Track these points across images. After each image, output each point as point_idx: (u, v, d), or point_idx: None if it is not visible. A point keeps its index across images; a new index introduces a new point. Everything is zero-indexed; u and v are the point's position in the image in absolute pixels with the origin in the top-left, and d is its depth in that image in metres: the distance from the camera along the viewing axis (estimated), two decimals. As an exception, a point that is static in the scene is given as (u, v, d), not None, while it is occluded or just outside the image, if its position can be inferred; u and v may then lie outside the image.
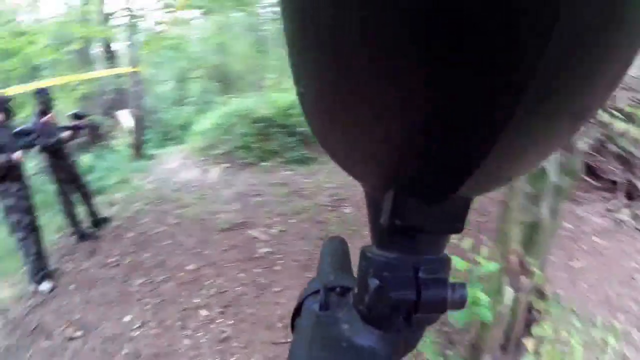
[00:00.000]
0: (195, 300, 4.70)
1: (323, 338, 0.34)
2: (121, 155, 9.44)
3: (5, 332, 4.46)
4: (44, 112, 5.29)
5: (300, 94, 0.25)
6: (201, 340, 4.15)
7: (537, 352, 2.31)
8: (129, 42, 8.51)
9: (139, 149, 9.10)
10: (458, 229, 0.27)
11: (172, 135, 10.78)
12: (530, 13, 0.14)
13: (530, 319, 2.37)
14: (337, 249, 0.50)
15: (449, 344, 2.97)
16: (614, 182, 5.13)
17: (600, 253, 4.51)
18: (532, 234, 2.22)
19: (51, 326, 4.47)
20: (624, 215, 4.75)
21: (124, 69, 9.52)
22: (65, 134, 5.42)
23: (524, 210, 2.21)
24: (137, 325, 4.38)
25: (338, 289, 0.39)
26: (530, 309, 2.35)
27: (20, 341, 4.30)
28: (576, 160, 2.24)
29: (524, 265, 2.24)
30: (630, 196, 4.98)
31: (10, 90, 8.00)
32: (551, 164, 2.14)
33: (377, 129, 0.21)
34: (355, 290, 0.33)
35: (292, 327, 0.41)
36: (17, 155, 4.44)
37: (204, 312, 4.51)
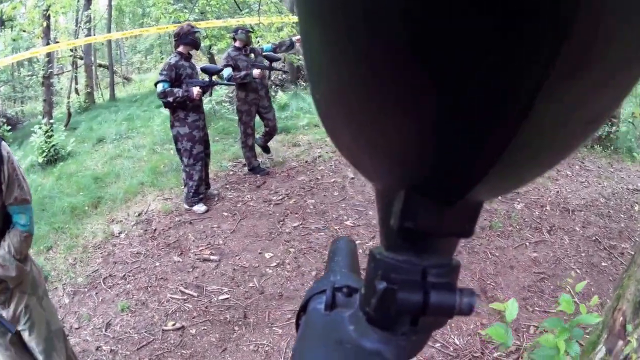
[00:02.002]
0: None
1: (327, 338, 0.37)
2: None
3: (142, 240, 5.03)
4: (239, 48, 6.07)
5: (313, 94, 0.27)
6: (327, 292, 4.23)
7: None
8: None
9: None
10: (468, 233, 0.28)
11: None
12: (544, 16, 0.15)
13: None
14: (345, 248, 0.53)
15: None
16: None
17: None
18: None
19: (189, 245, 4.91)
20: None
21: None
22: (256, 72, 6.02)
23: None
24: (275, 264, 4.57)
25: (345, 289, 0.41)
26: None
27: (152, 251, 4.80)
28: None
29: (624, 330, 2.21)
30: None
31: (218, 22, 9.02)
32: None
33: (389, 128, 0.23)
34: (362, 291, 0.35)
35: (297, 325, 0.44)
36: (196, 91, 5.09)
37: (341, 270, 4.58)
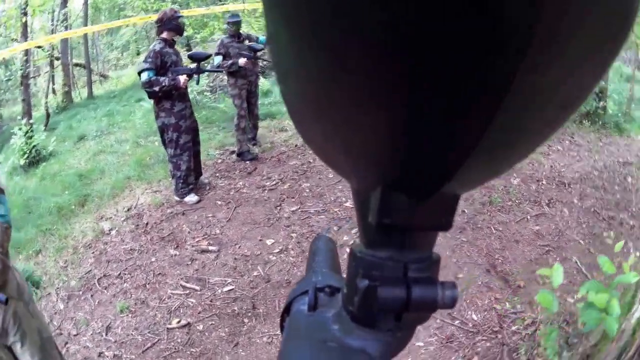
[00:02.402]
0: (344, 238, 4.46)
1: (312, 339, 0.35)
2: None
3: (134, 235, 4.60)
4: (233, 36, 5.86)
5: (282, 92, 0.25)
6: (340, 278, 3.96)
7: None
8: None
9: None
10: (447, 226, 0.27)
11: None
12: (512, 8, 0.15)
13: None
14: (325, 248, 0.52)
15: (567, 345, 2.89)
16: None
17: None
18: None
19: (185, 236, 4.52)
20: None
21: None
22: (242, 60, 5.79)
23: None
24: (278, 250, 4.24)
25: (327, 289, 0.40)
26: None
27: (146, 246, 4.39)
28: None
29: None
30: None
31: (201, 10, 8.64)
32: None
33: (362, 125, 0.22)
34: (345, 290, 0.33)
35: (282, 327, 0.43)
36: (183, 80, 4.68)
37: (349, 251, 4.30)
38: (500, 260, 4.14)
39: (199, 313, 3.49)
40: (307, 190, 5.40)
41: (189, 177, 5.11)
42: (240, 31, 6.11)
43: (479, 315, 3.46)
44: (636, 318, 2.31)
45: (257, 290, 3.75)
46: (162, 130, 4.95)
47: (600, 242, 4.34)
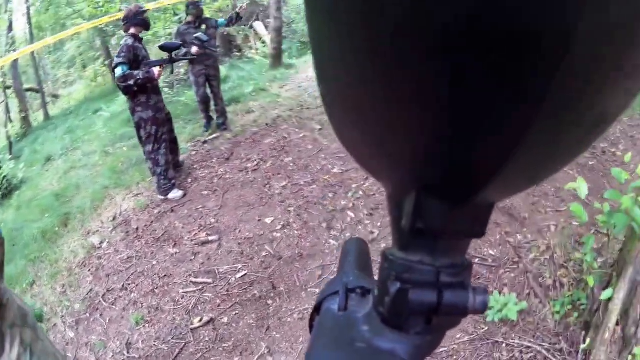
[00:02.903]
0: (342, 202, 4.21)
1: (341, 338, 0.34)
2: (258, 65, 9.11)
3: (127, 243, 4.19)
4: (190, 22, 5.71)
5: (322, 94, 0.25)
6: (349, 240, 3.71)
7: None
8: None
9: (278, 58, 8.67)
10: (480, 234, 0.27)
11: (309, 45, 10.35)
12: (549, 20, 0.14)
13: None
14: (358, 249, 0.49)
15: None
16: None
17: None
18: None
19: (180, 233, 4.14)
20: None
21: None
22: (194, 49, 5.55)
23: None
24: (280, 227, 3.91)
25: (358, 290, 0.38)
26: None
27: (143, 250, 4.00)
28: None
29: None
30: None
31: (151, 5, 8.12)
32: None
33: (399, 129, 0.21)
34: (376, 291, 0.32)
35: (311, 327, 0.41)
36: (157, 71, 4.43)
37: (351, 214, 3.99)
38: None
39: (218, 306, 3.16)
40: (291, 164, 5.09)
41: (169, 172, 4.80)
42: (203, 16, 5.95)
43: (495, 250, 3.35)
44: None
45: (272, 269, 3.44)
46: (140, 125, 4.62)
47: (588, 169, 4.24)
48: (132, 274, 3.71)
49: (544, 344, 2.59)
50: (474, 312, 0.28)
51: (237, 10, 6.50)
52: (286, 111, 6.67)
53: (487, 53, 0.15)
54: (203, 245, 3.90)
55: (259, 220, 4.13)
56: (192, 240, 4.00)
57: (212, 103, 6.30)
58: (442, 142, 0.20)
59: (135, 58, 4.37)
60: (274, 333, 2.86)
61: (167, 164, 4.76)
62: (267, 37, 10.15)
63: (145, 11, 4.69)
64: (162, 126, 4.71)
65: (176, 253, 3.86)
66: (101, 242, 4.35)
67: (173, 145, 5.09)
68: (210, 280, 3.42)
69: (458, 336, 2.67)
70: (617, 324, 2.41)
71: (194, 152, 5.86)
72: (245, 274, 3.43)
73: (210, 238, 3.97)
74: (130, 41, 4.40)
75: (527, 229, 3.52)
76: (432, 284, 0.27)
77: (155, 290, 3.46)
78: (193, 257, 3.76)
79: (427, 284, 0.27)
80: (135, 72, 4.30)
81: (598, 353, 2.42)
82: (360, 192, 4.33)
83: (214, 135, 6.18)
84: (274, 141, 5.77)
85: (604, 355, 2.41)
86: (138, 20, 4.55)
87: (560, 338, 2.61)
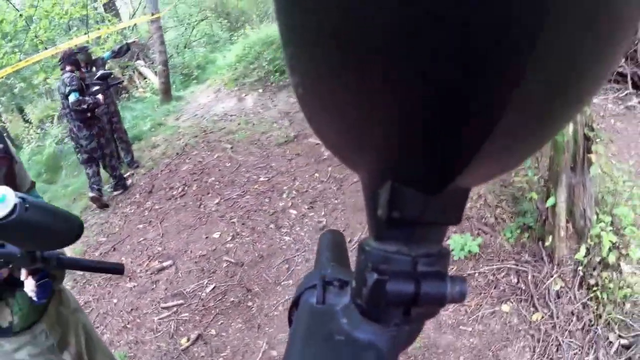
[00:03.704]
0: (280, 204, 4.19)
1: (320, 332, 0.32)
2: (149, 102, 8.69)
3: (79, 289, 3.79)
4: (85, 67, 5.53)
5: (294, 85, 0.23)
6: (301, 234, 3.69)
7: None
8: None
9: (167, 92, 8.30)
10: (456, 220, 0.25)
11: (192, 76, 10.23)
12: (519, 4, 0.14)
13: (588, 146, 2.76)
14: (334, 241, 0.48)
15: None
16: (622, 75, 5.50)
17: (618, 132, 4.75)
18: None
19: (130, 267, 3.84)
20: (634, 102, 5.28)
21: (145, 17, 8.82)
22: (100, 96, 5.26)
23: None
24: (230, 238, 3.80)
25: (336, 283, 0.36)
26: (587, 137, 2.75)
27: (98, 292, 3.66)
28: None
29: None
30: (636, 86, 5.46)
31: (47, 53, 7.46)
32: None
33: (372, 118, 0.20)
34: (353, 283, 0.30)
35: (290, 321, 0.38)
36: (101, 97, 4.96)
37: (293, 212, 3.99)
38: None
39: (200, 322, 2.99)
40: (217, 183, 4.97)
41: (118, 170, 5.37)
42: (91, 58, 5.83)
43: None
44: (571, 132, 2.68)
45: (238, 276, 3.34)
46: (95, 136, 5.03)
47: None
48: (95, 318, 3.37)
49: (510, 261, 2.84)
50: (452, 301, 0.27)
51: (128, 42, 6.31)
52: (191, 139, 6.46)
53: (457, 38, 0.15)
54: (160, 272, 3.67)
55: (206, 238, 3.97)
56: (146, 271, 3.74)
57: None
58: (415, 131, 0.19)
59: (81, 86, 4.82)
60: (267, 329, 2.78)
61: (115, 167, 5.33)
62: (151, 74, 9.76)
63: (76, 53, 5.18)
64: (108, 132, 5.31)
65: (135, 286, 3.59)
66: (48, 296, 3.91)
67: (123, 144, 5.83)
68: (181, 301, 3.23)
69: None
70: (567, 222, 2.76)
71: (115, 193, 5.46)
72: (215, 287, 3.29)
73: (164, 264, 3.74)
74: (73, 74, 4.81)
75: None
76: (410, 274, 0.26)
77: (127, 325, 3.18)
78: (154, 286, 3.52)
79: (404, 274, 0.26)
80: (86, 99, 4.78)
81: (559, 249, 2.76)
82: (294, 192, 4.34)
83: (127, 174, 5.82)
84: (190, 167, 5.57)
85: (565, 249, 2.76)
86: (71, 60, 4.96)
87: (522, 254, 2.89)
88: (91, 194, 5.11)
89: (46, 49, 7.44)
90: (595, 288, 2.61)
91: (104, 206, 5.14)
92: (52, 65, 7.61)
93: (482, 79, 0.16)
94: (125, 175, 5.67)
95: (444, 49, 0.15)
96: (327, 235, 0.49)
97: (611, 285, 2.57)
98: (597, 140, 2.83)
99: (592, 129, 2.79)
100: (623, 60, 5.32)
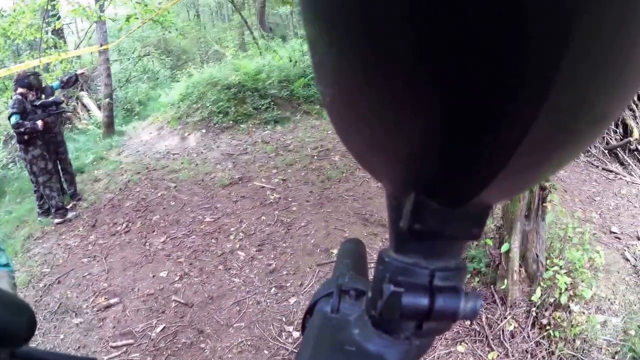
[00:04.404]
0: (228, 245, 4.22)
1: (331, 341, 0.32)
2: (91, 135, 8.41)
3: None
4: (36, 92, 5.38)
5: (322, 93, 0.23)
6: (251, 276, 3.74)
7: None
8: (97, 21, 7.60)
9: (110, 126, 8.11)
10: (476, 236, 0.25)
11: (134, 111, 10.00)
12: (545, 21, 0.13)
13: (543, 195, 2.95)
14: (354, 250, 0.46)
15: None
16: None
17: (562, 179, 5.14)
18: None
19: (75, 302, 3.73)
20: None
21: (94, 47, 8.57)
22: (39, 123, 5.17)
23: None
24: (178, 278, 3.79)
25: (352, 292, 0.35)
26: (542, 187, 2.92)
27: (43, 326, 3.51)
28: None
29: None
30: None
31: (1, 72, 7.05)
32: None
33: (399, 131, 0.20)
34: (370, 294, 0.29)
35: (303, 328, 0.38)
36: (40, 123, 4.98)
37: (242, 254, 4.05)
38: (369, 214, 4.42)
39: (152, 362, 2.99)
40: (162, 221, 4.93)
41: (61, 197, 5.30)
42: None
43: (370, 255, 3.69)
44: None
45: (188, 317, 3.35)
46: (32, 162, 5.09)
47: None
48: (39, 354, 3.24)
49: None
50: (464, 318, 0.26)
51: (77, 72, 6.17)
52: (134, 175, 6.34)
53: (485, 53, 0.15)
54: (106, 310, 3.59)
55: (153, 276, 3.94)
56: (92, 307, 3.65)
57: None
58: (441, 144, 0.19)
59: (24, 110, 4.91)
60: (223, 371, 2.83)
61: (59, 191, 5.27)
62: (94, 106, 9.47)
63: (29, 75, 5.24)
64: (50, 161, 5.21)
65: (81, 322, 3.49)
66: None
67: (67, 175, 5.72)
68: (132, 341, 3.19)
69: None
70: (520, 267, 2.93)
71: (57, 222, 5.23)
72: (165, 327, 3.28)
73: (111, 301, 3.67)
74: (20, 97, 4.93)
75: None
76: (425, 287, 0.26)
77: (74, 363, 3.09)
78: (101, 324, 3.44)
79: (420, 288, 0.26)
80: (26, 122, 4.85)
81: (512, 292, 2.92)
82: (241, 234, 4.43)
83: (70, 205, 5.61)
84: (133, 203, 5.48)
85: (518, 292, 2.92)
86: (24, 83, 5.07)
87: None
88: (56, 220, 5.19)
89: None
90: (548, 327, 2.75)
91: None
92: (4, 86, 7.26)
93: (510, 94, 0.16)
94: (68, 207, 5.47)
95: (472, 62, 0.15)
96: (348, 243, 0.48)
97: (564, 324, 2.72)
98: (553, 190, 3.03)
99: (548, 179, 2.87)
100: None
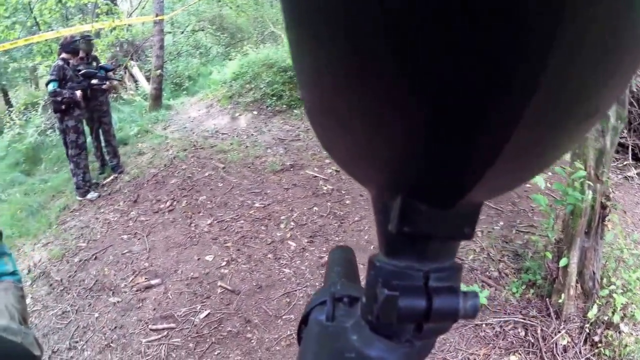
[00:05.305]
0: (278, 234, 4.11)
1: (330, 349, 0.32)
2: (137, 106, 8.47)
3: (56, 296, 3.59)
4: (86, 57, 5.48)
5: (305, 100, 0.24)
6: (302, 267, 3.63)
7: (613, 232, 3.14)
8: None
9: (158, 99, 8.10)
10: (468, 235, 0.25)
11: (183, 86, 10.05)
12: (534, 13, 0.13)
13: (603, 214, 2.99)
14: (344, 257, 0.47)
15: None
16: (623, 145, 5.68)
17: (616, 201, 4.66)
18: (600, 157, 3.04)
19: (114, 280, 3.67)
20: (632, 173, 5.56)
21: (148, 17, 8.68)
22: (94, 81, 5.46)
23: (595, 140, 3.04)
24: (225, 263, 3.69)
25: (346, 299, 0.36)
26: (603, 206, 2.99)
27: (78, 303, 3.46)
28: (625, 110, 3.09)
29: (597, 176, 3.00)
30: (636, 157, 5.69)
31: (44, 36, 7.23)
32: (611, 111, 2.92)
33: (383, 133, 0.20)
34: (364, 299, 0.29)
35: (299, 338, 0.38)
36: (79, 93, 4.99)
37: (292, 244, 3.94)
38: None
39: (194, 350, 2.86)
40: (209, 203, 4.84)
41: (87, 175, 5.21)
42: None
43: None
44: (590, 198, 2.92)
45: (235, 304, 3.23)
46: (65, 132, 5.09)
47: None
48: (74, 330, 3.18)
49: (517, 315, 2.96)
50: (465, 316, 0.26)
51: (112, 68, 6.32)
52: (180, 151, 6.30)
53: (471, 54, 0.15)
54: (147, 290, 3.51)
55: (198, 259, 3.84)
56: (131, 287, 3.57)
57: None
58: (426, 145, 0.19)
59: (63, 77, 4.89)
60: (269, 365, 2.68)
61: (86, 168, 5.21)
62: (142, 77, 9.58)
63: (75, 41, 5.22)
64: (83, 134, 5.18)
65: (119, 302, 3.42)
66: (22, 299, 3.67)
67: (110, 147, 5.74)
68: (173, 325, 3.09)
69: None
70: (576, 282, 2.99)
71: (95, 195, 5.25)
72: (209, 313, 3.16)
73: (152, 282, 3.58)
74: (60, 63, 4.95)
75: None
76: (421, 289, 0.26)
77: (110, 344, 3.01)
78: (141, 304, 3.36)
79: (416, 290, 0.26)
80: (63, 91, 4.85)
81: (568, 307, 2.97)
82: (292, 223, 4.28)
83: (111, 178, 5.63)
84: (179, 181, 5.42)
85: (573, 307, 2.98)
86: (69, 48, 5.10)
87: (528, 308, 3.03)
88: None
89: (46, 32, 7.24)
90: (599, 345, 2.80)
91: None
92: (49, 50, 7.40)
93: (495, 93, 0.16)
94: (103, 183, 5.51)
95: (455, 61, 0.15)
96: (337, 251, 0.49)
97: (615, 342, 2.77)
98: (614, 209, 3.10)
99: (609, 199, 3.05)
100: (625, 131, 5.52)
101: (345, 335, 0.31)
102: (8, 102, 10.30)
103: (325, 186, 5.10)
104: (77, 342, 3.08)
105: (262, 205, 4.67)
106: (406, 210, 0.23)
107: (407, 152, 0.20)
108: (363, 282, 0.31)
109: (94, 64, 5.51)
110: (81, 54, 5.33)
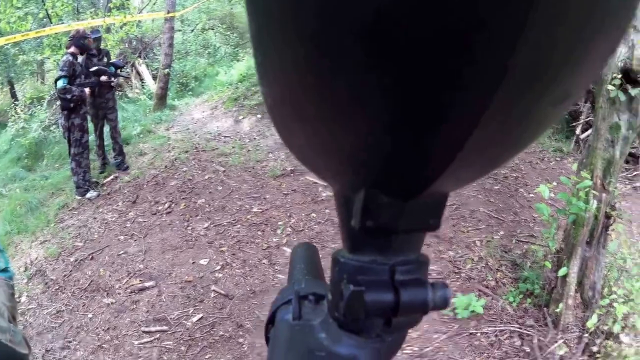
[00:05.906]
0: (274, 239, 4.22)
1: (299, 348, 0.32)
2: (141, 105, 8.68)
3: (50, 295, 3.74)
4: (99, 52, 5.64)
5: (264, 95, 0.23)
6: (296, 274, 3.75)
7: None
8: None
9: (163, 99, 8.26)
10: (434, 227, 0.25)
11: (188, 87, 10.21)
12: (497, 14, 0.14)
13: (607, 223, 3.08)
14: (306, 255, 0.47)
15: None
16: (634, 156, 5.74)
17: (623, 210, 4.78)
18: (608, 166, 3.10)
19: (108, 281, 3.81)
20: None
21: (159, 13, 8.85)
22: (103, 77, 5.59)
23: (604, 150, 3.10)
24: (219, 267, 3.82)
25: (311, 297, 0.36)
26: (608, 216, 3.07)
27: (72, 303, 3.62)
28: (637, 120, 3.09)
29: (604, 186, 3.07)
30: None
31: (55, 29, 7.41)
32: (623, 121, 3.05)
33: (344, 128, 0.20)
34: (330, 296, 0.30)
35: (267, 339, 0.38)
36: (88, 91, 5.15)
37: (288, 250, 4.02)
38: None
39: (186, 353, 2.99)
40: (207, 206, 4.98)
41: (87, 174, 5.33)
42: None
43: (435, 266, 3.67)
44: (594, 208, 3.00)
45: (228, 309, 3.36)
46: (70, 129, 5.14)
47: (495, 192, 4.78)
48: (67, 330, 3.33)
49: (513, 324, 3.04)
50: (435, 308, 0.27)
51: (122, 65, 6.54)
52: (182, 153, 6.45)
53: (428, 46, 0.15)
54: (141, 292, 3.65)
55: (193, 263, 3.98)
56: (125, 289, 3.71)
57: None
58: (387, 136, 0.19)
59: (73, 73, 4.96)
60: (259, 371, 2.81)
61: (87, 167, 5.32)
62: (148, 75, 9.75)
63: (87, 37, 5.26)
64: (87, 133, 5.29)
65: (113, 303, 3.56)
66: (18, 297, 3.83)
67: (116, 145, 5.89)
68: (166, 328, 3.22)
69: (435, 336, 2.96)
70: (575, 292, 3.05)
71: (95, 194, 5.40)
72: (202, 317, 3.29)
73: (146, 284, 3.72)
74: (70, 58, 4.98)
75: (456, 246, 3.90)
76: (388, 283, 0.26)
77: (103, 345, 3.15)
78: (134, 306, 3.51)
79: (382, 284, 0.26)
80: (73, 88, 4.91)
81: (566, 316, 3.03)
82: (289, 229, 4.41)
83: (111, 177, 5.78)
84: (179, 183, 5.57)
85: (571, 316, 3.04)
86: (79, 43, 5.12)
87: (525, 318, 3.11)
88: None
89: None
90: (598, 355, 2.85)
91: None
92: (58, 43, 7.56)
93: (457, 85, 0.16)
94: (102, 182, 5.69)
95: (416, 50, 0.15)
96: (300, 248, 0.49)
97: (614, 353, 2.79)
98: (619, 219, 3.16)
99: (614, 209, 3.13)
100: (637, 142, 5.59)
101: (314, 333, 0.31)
102: (14, 95, 10.49)
103: (324, 193, 5.21)
104: (70, 341, 3.22)
105: (260, 210, 4.79)
106: (368, 204, 0.23)
107: (370, 145, 0.20)
108: (328, 279, 0.31)
109: (105, 59, 5.66)
110: (93, 51, 5.47)
